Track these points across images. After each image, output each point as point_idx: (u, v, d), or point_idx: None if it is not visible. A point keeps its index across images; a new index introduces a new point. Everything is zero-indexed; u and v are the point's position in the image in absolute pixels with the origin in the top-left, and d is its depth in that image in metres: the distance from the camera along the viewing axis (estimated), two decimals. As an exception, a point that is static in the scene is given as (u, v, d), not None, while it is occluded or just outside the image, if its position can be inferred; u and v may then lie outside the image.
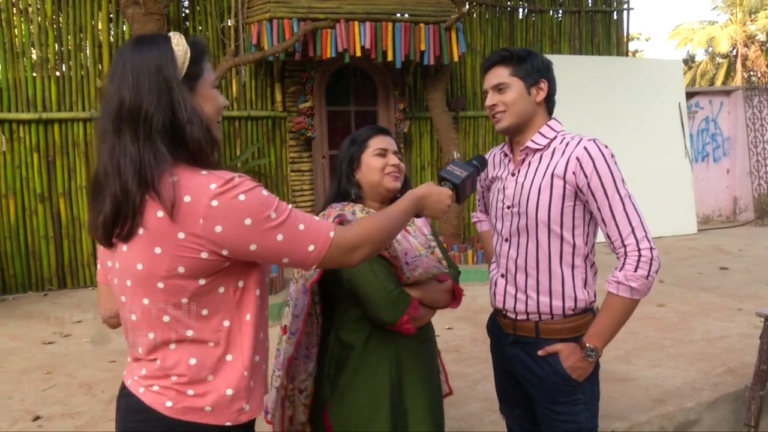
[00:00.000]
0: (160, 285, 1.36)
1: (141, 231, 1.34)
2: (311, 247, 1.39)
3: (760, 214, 11.27)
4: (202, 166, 1.37)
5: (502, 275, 2.12)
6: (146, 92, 1.35)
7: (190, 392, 1.40)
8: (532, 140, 2.02)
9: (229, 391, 1.42)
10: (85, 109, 7.03)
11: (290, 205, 1.42)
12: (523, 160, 2.04)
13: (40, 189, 6.85)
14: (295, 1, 7.12)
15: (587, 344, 1.93)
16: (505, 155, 2.16)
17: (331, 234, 1.42)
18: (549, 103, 2.06)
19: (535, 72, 2.00)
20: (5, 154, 6.71)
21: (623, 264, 1.86)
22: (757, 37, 27.96)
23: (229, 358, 1.43)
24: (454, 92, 9.00)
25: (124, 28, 7.17)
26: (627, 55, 10.91)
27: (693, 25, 30.02)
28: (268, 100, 7.88)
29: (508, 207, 2.06)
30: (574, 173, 1.90)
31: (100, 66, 7.14)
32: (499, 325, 2.20)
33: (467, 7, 8.42)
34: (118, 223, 1.35)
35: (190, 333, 1.40)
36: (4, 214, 6.74)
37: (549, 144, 2.00)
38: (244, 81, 7.76)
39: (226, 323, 1.42)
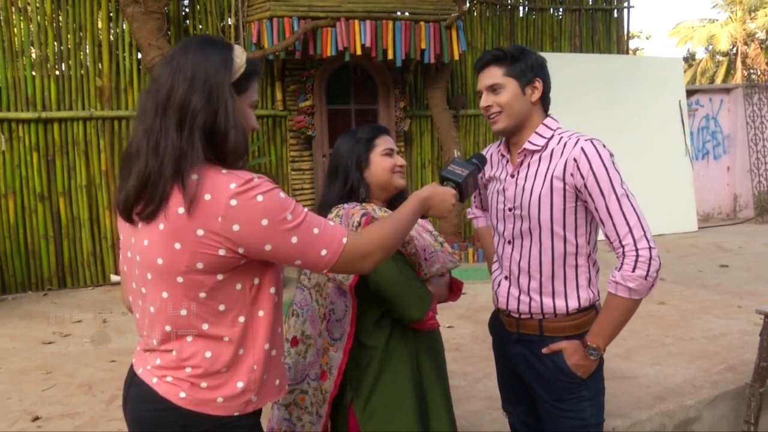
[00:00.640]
0: (180, 279, 1.41)
1: (161, 226, 1.39)
2: (324, 252, 1.44)
3: (760, 212, 11.25)
4: (226, 168, 1.42)
5: (506, 277, 2.12)
6: (199, 89, 1.41)
7: (204, 384, 1.45)
8: (529, 141, 2.00)
9: (240, 384, 1.47)
10: (85, 108, 7.02)
11: (306, 209, 1.46)
12: (522, 162, 2.03)
13: (40, 188, 6.84)
14: (295, -1, 7.11)
15: (589, 343, 1.94)
16: (503, 156, 2.14)
17: (344, 240, 1.46)
18: (544, 101, 2.05)
19: (530, 71, 1.99)
20: (5, 154, 6.70)
21: (621, 264, 1.85)
22: (756, 35, 27.96)
23: (241, 352, 1.47)
24: (454, 90, 8.99)
25: (124, 27, 7.14)
26: (627, 53, 10.90)
27: (693, 23, 30.04)
28: (269, 98, 7.87)
29: (510, 209, 2.05)
30: (572, 174, 1.89)
31: (99, 65, 7.13)
32: (501, 323, 2.20)
33: (468, 5, 8.40)
34: (142, 201, 1.40)
35: (206, 327, 1.45)
36: (3, 213, 6.73)
37: (547, 144, 1.98)
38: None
39: (242, 319, 1.47)
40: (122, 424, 3.29)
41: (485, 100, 2.02)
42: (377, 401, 1.89)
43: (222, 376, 1.46)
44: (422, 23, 7.44)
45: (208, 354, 1.45)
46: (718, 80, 27.77)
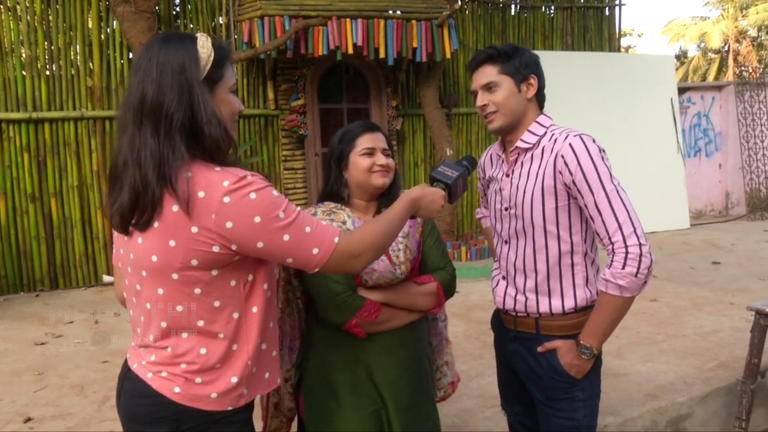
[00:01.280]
0: (175, 276, 1.42)
1: (156, 224, 1.40)
2: (315, 250, 1.45)
3: (752, 209, 11.30)
4: (218, 164, 1.42)
5: (503, 277, 2.11)
6: (168, 89, 1.40)
7: (198, 380, 1.47)
8: (521, 139, 1.99)
9: (234, 379, 1.49)
10: (76, 108, 6.98)
11: (298, 208, 1.47)
12: (516, 160, 2.03)
13: (31, 189, 6.80)
14: (286, -2, 7.10)
15: (582, 342, 1.92)
16: (499, 156, 2.14)
17: (336, 240, 1.48)
18: (539, 97, 2.04)
19: (524, 68, 1.98)
20: (-5, 154, 6.67)
21: (611, 261, 1.82)
22: (748, 33, 28.08)
23: (234, 347, 1.50)
24: (446, 89, 8.98)
25: (115, 27, 7.11)
26: (619, 50, 10.92)
27: (685, 20, 30.14)
28: (260, 98, 7.85)
29: (506, 209, 2.05)
30: (560, 172, 1.88)
31: (90, 65, 7.10)
32: (501, 321, 2.19)
33: (459, 3, 8.40)
34: (136, 212, 1.40)
35: (201, 323, 1.46)
36: (-6, 214, 6.70)
37: (539, 142, 1.97)
38: (236, 79, 7.72)
39: (236, 315, 1.49)
40: (114, 424, 3.30)
41: (481, 99, 2.01)
42: (314, 392, 1.97)
43: (216, 371, 1.48)
44: (414, 22, 7.43)
45: (203, 350, 1.47)
46: (710, 78, 27.87)
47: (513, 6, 9.68)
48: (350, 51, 7.17)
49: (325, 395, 1.93)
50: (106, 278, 7.03)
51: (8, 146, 6.71)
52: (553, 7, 9.94)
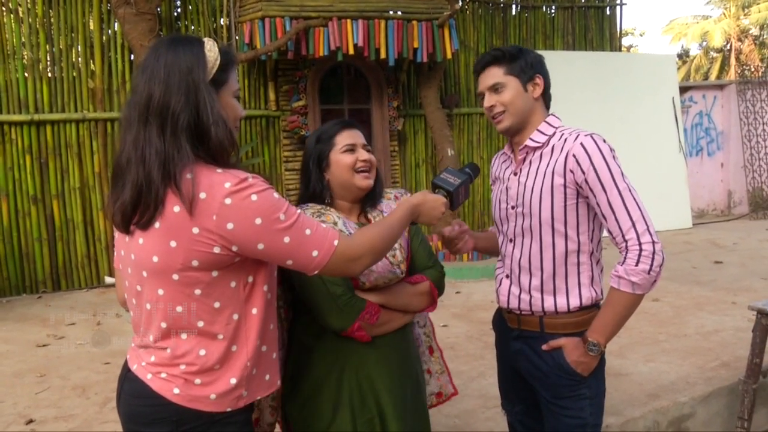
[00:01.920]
0: (175, 277, 1.43)
1: (157, 224, 1.41)
2: (315, 253, 1.46)
3: (754, 208, 11.28)
4: (220, 165, 1.43)
5: (507, 276, 2.11)
6: (175, 90, 1.42)
7: (198, 381, 1.48)
8: (531, 138, 2.00)
9: (233, 380, 1.50)
10: (78, 110, 7.00)
11: (299, 210, 1.48)
12: (524, 159, 2.03)
13: (33, 191, 6.82)
14: (287, -1, 7.10)
15: (589, 339, 1.92)
16: (507, 156, 2.15)
17: (335, 242, 1.49)
18: (546, 97, 2.06)
19: (529, 68, 1.99)
20: (-3, 156, 6.68)
21: (624, 258, 1.85)
22: (750, 31, 28.05)
23: (234, 348, 1.50)
24: (447, 89, 8.98)
25: (116, 28, 7.12)
26: (621, 50, 10.92)
27: (687, 19, 30.10)
28: (262, 99, 7.86)
29: (513, 207, 2.05)
30: (572, 171, 1.89)
31: (91, 66, 7.11)
32: (504, 320, 2.19)
33: (460, 3, 8.40)
34: (138, 210, 1.42)
35: (201, 324, 1.47)
36: (-3, 216, 6.71)
37: (548, 141, 1.98)
38: (239, 85, 7.72)
39: (235, 316, 1.50)
40: (116, 426, 3.30)
41: (488, 100, 2.02)
42: (309, 402, 1.88)
43: (215, 372, 1.48)
44: (414, 22, 7.43)
45: (202, 352, 1.47)
46: (712, 77, 27.83)
47: (514, 6, 9.67)
48: (351, 52, 7.18)
49: (321, 408, 1.86)
50: (108, 279, 7.04)
51: (10, 148, 6.72)
52: (554, 7, 9.93)
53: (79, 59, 7.07)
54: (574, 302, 1.98)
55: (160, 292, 1.46)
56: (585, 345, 1.93)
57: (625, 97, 9.54)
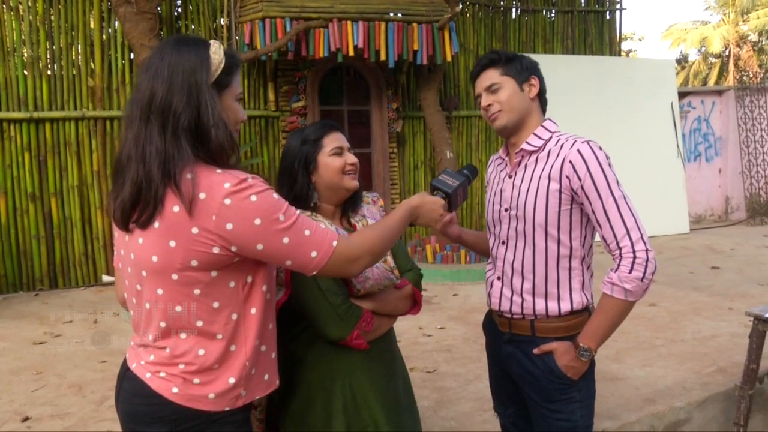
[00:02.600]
0: (175, 277, 1.44)
1: (157, 224, 1.41)
2: (314, 253, 1.47)
3: (752, 214, 11.31)
4: (220, 166, 1.44)
5: (498, 278, 2.12)
6: (178, 90, 1.43)
7: (196, 381, 1.48)
8: (527, 142, 2.02)
9: (232, 380, 1.50)
10: (77, 108, 7.00)
11: (298, 211, 1.49)
12: (520, 163, 2.05)
13: (31, 188, 6.82)
14: (288, 0, 7.10)
15: (581, 344, 1.93)
16: (502, 159, 2.17)
17: (334, 243, 1.50)
18: (542, 100, 2.08)
19: (525, 70, 2.03)
20: (-4, 154, 6.68)
21: (618, 265, 1.86)
22: (749, 37, 28.09)
23: (232, 348, 1.51)
24: (447, 92, 9.00)
25: (116, 27, 7.13)
26: (620, 54, 10.93)
27: (686, 25, 30.13)
28: (261, 99, 7.87)
29: (506, 210, 2.06)
30: (568, 177, 1.90)
31: (91, 65, 7.11)
32: (494, 323, 2.20)
33: (460, 6, 8.42)
34: (138, 208, 1.42)
35: (200, 324, 1.47)
36: (-6, 213, 6.70)
37: (544, 145, 2.00)
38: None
39: (234, 316, 1.50)
40: (112, 424, 3.30)
41: (485, 99, 2.04)
42: (302, 414, 1.85)
43: (214, 372, 1.49)
44: (415, 24, 7.44)
45: (201, 351, 1.48)
46: (711, 82, 27.89)
47: (514, 9, 9.70)
48: (351, 53, 7.18)
49: (315, 418, 1.84)
50: (106, 278, 7.03)
51: (9, 145, 6.72)
52: (553, 11, 9.96)
53: (79, 57, 7.07)
54: (565, 307, 1.99)
55: (160, 291, 1.46)
56: (576, 350, 1.94)
57: (624, 101, 9.57)
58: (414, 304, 2.02)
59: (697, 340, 4.54)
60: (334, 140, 1.92)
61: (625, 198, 1.88)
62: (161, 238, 1.41)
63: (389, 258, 1.95)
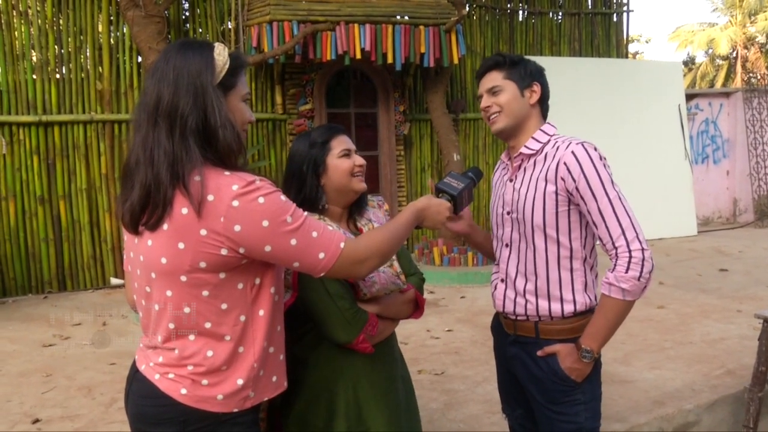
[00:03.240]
0: (183, 278, 1.45)
1: (166, 226, 1.42)
2: (322, 255, 1.47)
3: (760, 216, 11.26)
4: (228, 168, 1.45)
5: (502, 280, 2.13)
6: (184, 92, 1.44)
7: (205, 382, 1.49)
8: (525, 146, 2.04)
9: (240, 381, 1.51)
10: (85, 111, 7.03)
11: (305, 213, 1.49)
12: (519, 166, 2.07)
13: (40, 191, 6.85)
14: (295, 3, 7.13)
15: (582, 345, 1.94)
16: (504, 163, 2.19)
17: (342, 245, 1.50)
18: (543, 107, 2.10)
19: (528, 76, 2.05)
20: (5, 157, 6.71)
21: (614, 265, 1.87)
22: (756, 39, 27.99)
23: (241, 350, 1.51)
24: (454, 94, 9.01)
25: (125, 31, 7.17)
26: (627, 57, 10.92)
27: (693, 27, 30.05)
28: (269, 102, 7.89)
29: (508, 213, 2.08)
30: (563, 178, 1.92)
31: (100, 68, 7.15)
32: (501, 325, 2.21)
33: (467, 9, 8.42)
34: (147, 211, 1.43)
35: (208, 325, 1.48)
36: (3, 216, 6.73)
37: (542, 149, 2.02)
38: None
39: (242, 318, 1.51)
40: (122, 426, 3.32)
41: (485, 101, 2.07)
42: (304, 416, 1.86)
43: (222, 373, 1.50)
44: (422, 27, 7.45)
45: (209, 353, 1.49)
46: (718, 84, 27.81)
47: (521, 12, 9.70)
48: (358, 56, 7.20)
49: (318, 419, 1.85)
50: (114, 281, 7.06)
51: (18, 149, 6.76)
52: (560, 13, 9.95)
53: (88, 61, 7.10)
54: (569, 308, 2.00)
55: (169, 293, 1.47)
56: (579, 351, 1.95)
57: (631, 103, 9.55)
58: (416, 308, 2.04)
59: (706, 343, 4.52)
60: (342, 143, 1.93)
61: (620, 197, 1.88)
62: (170, 240, 1.42)
63: (396, 263, 1.96)
